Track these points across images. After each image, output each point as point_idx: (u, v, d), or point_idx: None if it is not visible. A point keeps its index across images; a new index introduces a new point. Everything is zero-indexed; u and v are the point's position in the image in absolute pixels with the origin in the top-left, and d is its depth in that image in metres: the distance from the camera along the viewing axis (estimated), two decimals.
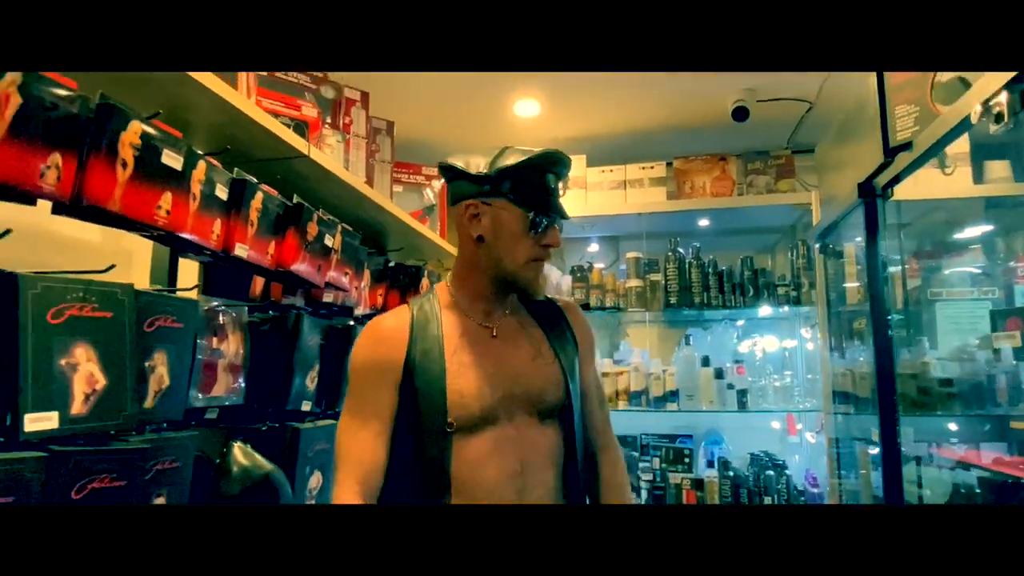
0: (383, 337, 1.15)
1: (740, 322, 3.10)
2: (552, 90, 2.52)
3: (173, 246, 1.32)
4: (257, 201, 1.32)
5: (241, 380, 1.41)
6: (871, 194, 1.72)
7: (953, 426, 1.98)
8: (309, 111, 1.70)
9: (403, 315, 1.18)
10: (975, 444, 1.91)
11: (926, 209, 2.16)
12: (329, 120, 1.83)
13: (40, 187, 0.87)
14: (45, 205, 0.91)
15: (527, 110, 2.68)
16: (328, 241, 1.59)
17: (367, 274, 1.98)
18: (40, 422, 0.88)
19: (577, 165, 2.93)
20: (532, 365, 1.16)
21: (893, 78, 1.51)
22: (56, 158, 0.88)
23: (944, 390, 1.89)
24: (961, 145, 1.91)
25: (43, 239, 1.37)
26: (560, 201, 1.16)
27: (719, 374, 2.74)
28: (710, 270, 2.88)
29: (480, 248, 1.16)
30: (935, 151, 1.39)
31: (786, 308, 2.87)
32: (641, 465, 2.87)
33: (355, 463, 1.08)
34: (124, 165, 0.97)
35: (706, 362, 2.78)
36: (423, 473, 1.08)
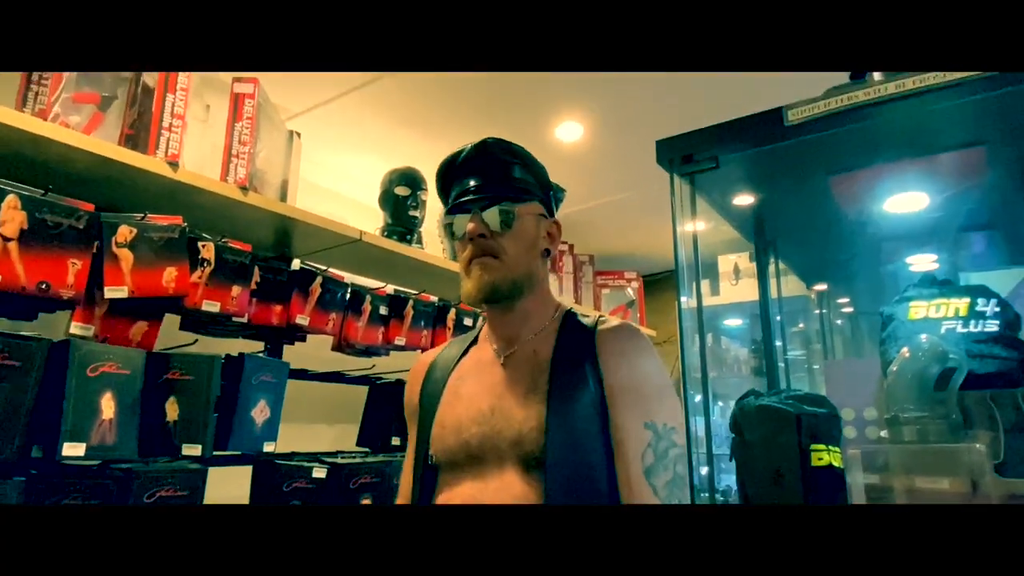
0: (411, 374, 1.14)
1: None
2: None
3: None
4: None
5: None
6: None
7: None
8: None
9: (435, 350, 1.15)
10: None
11: None
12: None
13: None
14: None
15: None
16: None
17: None
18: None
19: None
20: (521, 402, 0.94)
21: None
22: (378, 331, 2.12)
23: None
24: None
25: None
26: (476, 191, 0.99)
27: None
28: None
29: None
30: None
31: None
32: None
33: (403, 498, 1.09)
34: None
35: None
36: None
